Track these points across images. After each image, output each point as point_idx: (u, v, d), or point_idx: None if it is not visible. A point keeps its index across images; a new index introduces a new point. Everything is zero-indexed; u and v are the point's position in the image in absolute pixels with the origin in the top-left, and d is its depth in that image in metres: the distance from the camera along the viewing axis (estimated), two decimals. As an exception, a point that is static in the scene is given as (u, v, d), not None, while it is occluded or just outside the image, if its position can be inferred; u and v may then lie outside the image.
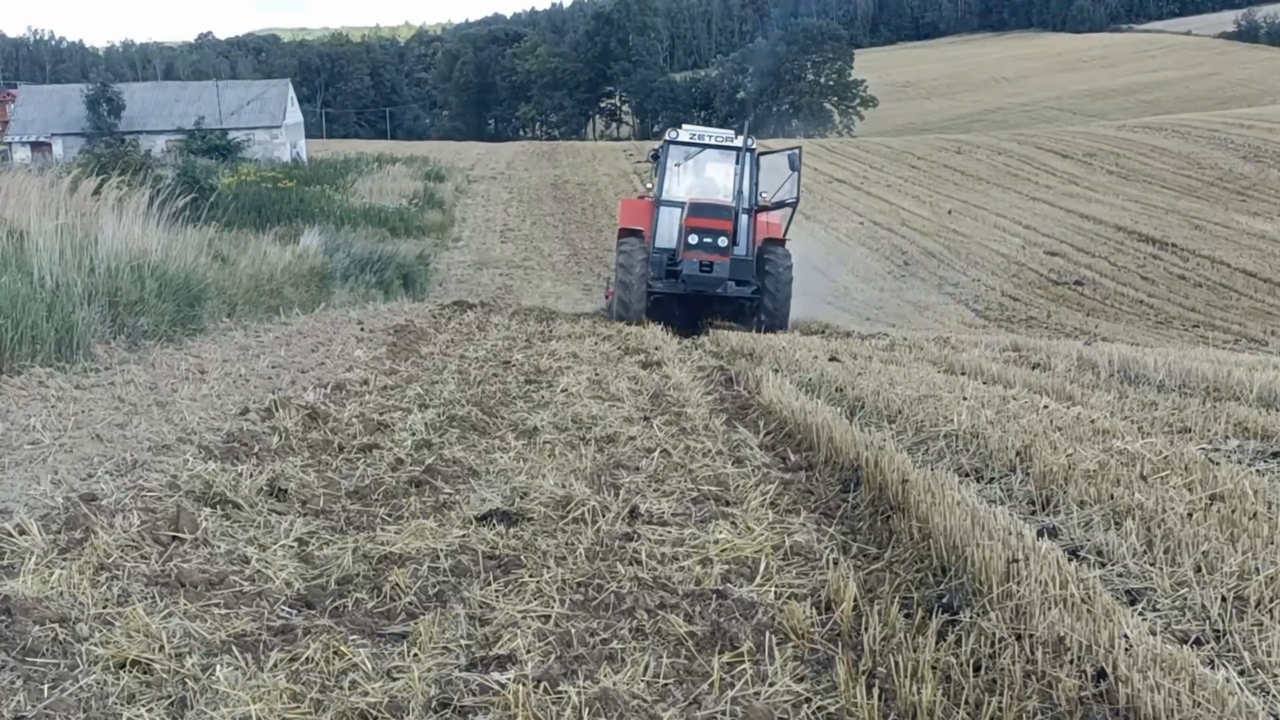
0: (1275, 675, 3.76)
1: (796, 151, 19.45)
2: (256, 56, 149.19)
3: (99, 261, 11.92)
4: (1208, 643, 4.08)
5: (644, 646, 4.09)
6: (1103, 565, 4.92)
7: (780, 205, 19.41)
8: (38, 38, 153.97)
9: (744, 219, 19.06)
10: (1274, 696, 3.57)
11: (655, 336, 15.01)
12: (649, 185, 20.19)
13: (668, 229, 19.23)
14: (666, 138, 20.26)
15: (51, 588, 4.54)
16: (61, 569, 4.73)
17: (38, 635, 4.05)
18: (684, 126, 20.93)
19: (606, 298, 22.52)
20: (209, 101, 72.61)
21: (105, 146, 43.20)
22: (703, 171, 20.31)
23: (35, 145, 68.97)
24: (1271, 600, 4.34)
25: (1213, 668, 3.69)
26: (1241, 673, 3.75)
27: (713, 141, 20.15)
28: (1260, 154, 60.16)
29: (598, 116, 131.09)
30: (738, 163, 19.58)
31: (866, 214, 52.77)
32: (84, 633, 4.17)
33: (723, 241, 18.00)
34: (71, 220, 12.41)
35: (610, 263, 43.35)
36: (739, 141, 19.78)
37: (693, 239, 18.02)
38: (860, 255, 44.23)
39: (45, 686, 3.73)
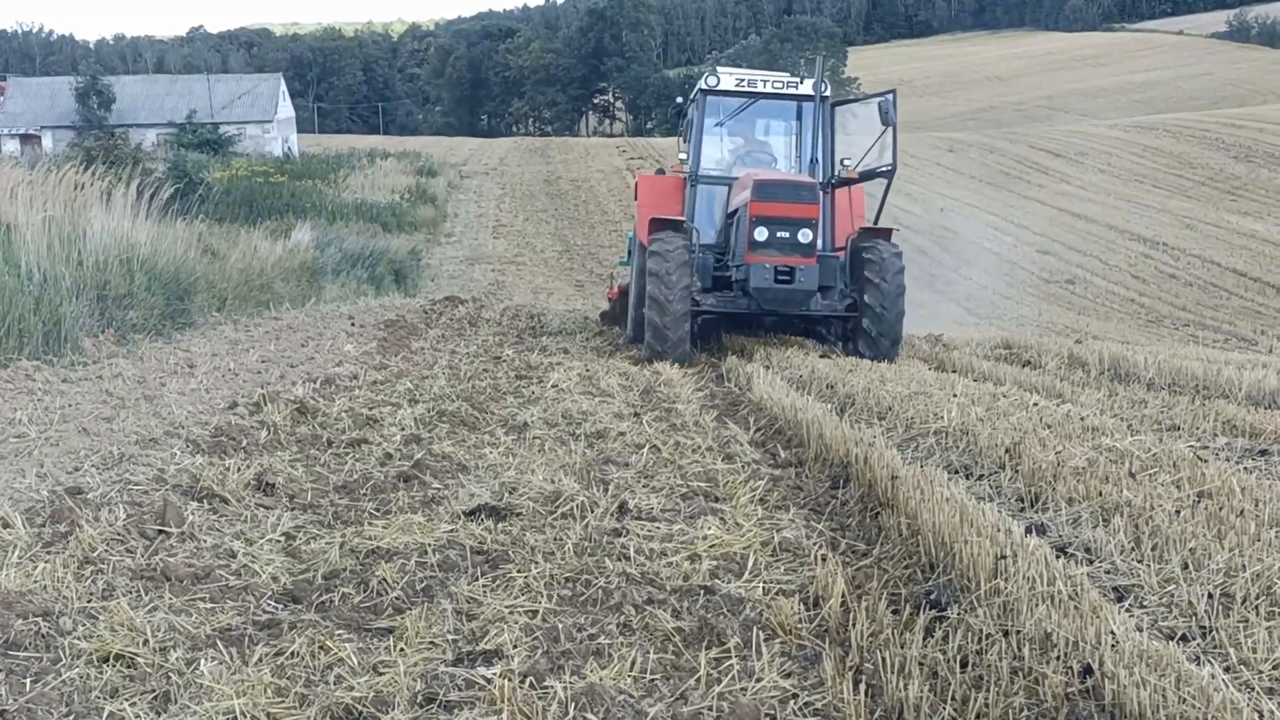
0: (1260, 672, 3.76)
1: (889, 97, 12.98)
2: (248, 51, 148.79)
3: (87, 255, 11.88)
4: (1194, 639, 4.08)
5: (631, 642, 4.07)
6: (1090, 562, 4.93)
7: (871, 175, 13.33)
8: (27, 30, 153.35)
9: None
10: (1259, 693, 3.57)
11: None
12: (681, 155, 13.85)
13: (707, 216, 13.72)
14: (702, 85, 13.93)
15: (35, 581, 4.51)
16: (45, 562, 4.70)
17: (20, 629, 4.03)
18: (723, 69, 14.53)
19: (610, 300, 17.67)
20: (200, 95, 72.36)
21: (95, 140, 43.01)
22: (755, 131, 14.63)
23: (24, 138, 68.69)
24: (1258, 597, 4.35)
25: (1198, 664, 3.69)
26: (1227, 669, 3.75)
27: (769, 88, 13.90)
28: (1251, 154, 60.30)
29: (591, 113, 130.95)
30: (803, 118, 13.92)
31: (859, 211, 52.69)
32: (67, 626, 4.14)
33: (806, 236, 12.10)
34: (60, 213, 12.36)
35: (606, 260, 43.56)
36: (807, 87, 13.63)
37: (761, 233, 12.05)
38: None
39: (27, 680, 3.70)
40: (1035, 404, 8.67)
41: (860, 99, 14.66)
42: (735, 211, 12.74)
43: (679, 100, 15.06)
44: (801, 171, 13.61)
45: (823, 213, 12.72)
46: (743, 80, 13.99)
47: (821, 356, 12.09)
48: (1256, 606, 4.27)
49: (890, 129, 12.81)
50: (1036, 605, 4.13)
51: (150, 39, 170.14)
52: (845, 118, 14.13)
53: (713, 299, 12.67)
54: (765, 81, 13.86)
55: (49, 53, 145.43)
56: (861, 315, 12.33)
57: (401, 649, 4.03)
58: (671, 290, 11.89)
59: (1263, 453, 7.17)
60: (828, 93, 13.60)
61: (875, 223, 13.39)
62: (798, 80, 13.82)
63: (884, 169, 13.10)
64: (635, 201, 14.56)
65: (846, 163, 13.18)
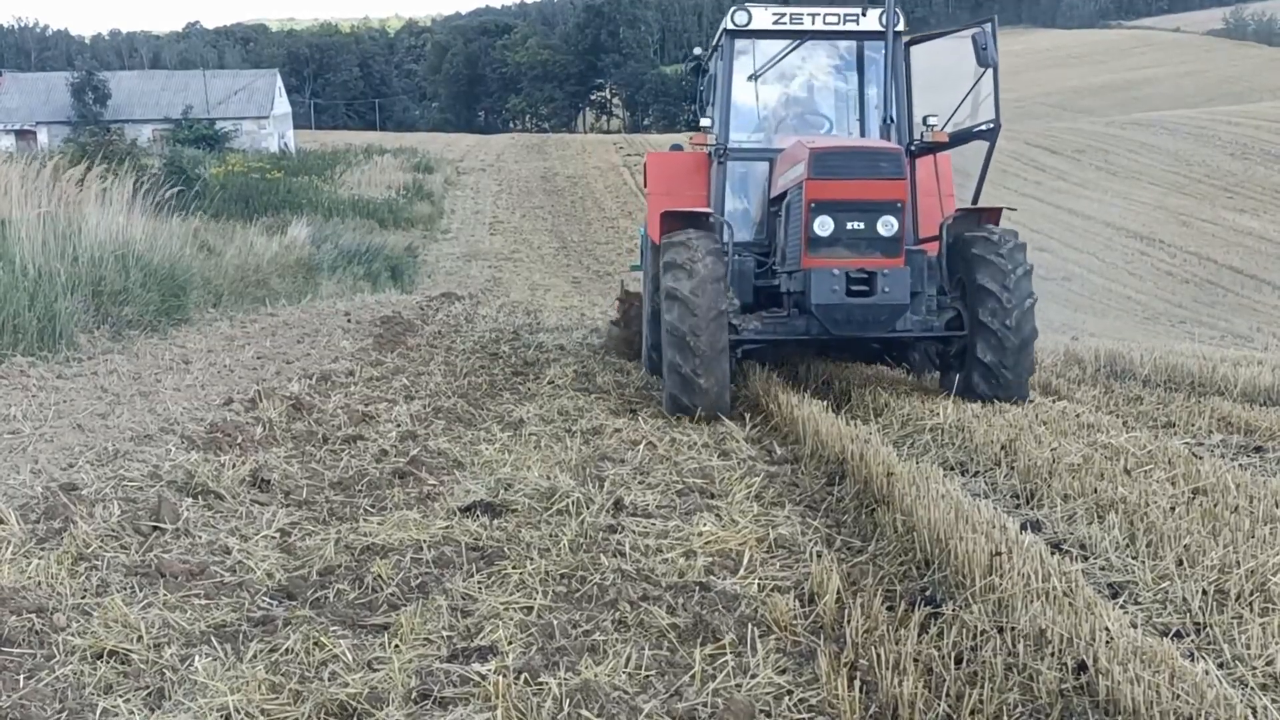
0: (1254, 668, 3.77)
1: (986, 28, 9.04)
2: (245, 46, 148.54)
3: (82, 251, 11.87)
4: (1188, 635, 4.09)
5: (626, 638, 4.07)
6: (1085, 559, 4.94)
7: (967, 137, 9.35)
8: (23, 25, 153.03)
9: None
10: (1253, 689, 3.57)
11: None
12: (704, 122, 9.84)
13: (741, 203, 10.10)
14: (728, 25, 10.09)
15: (29, 577, 4.51)
16: (40, 559, 4.69)
17: (14, 625, 4.02)
18: (753, 4, 10.21)
19: (619, 318, 13.27)
20: (196, 91, 72.23)
21: (90, 135, 42.88)
22: (801, 85, 10.66)
23: (19, 133, 68.53)
24: (1251, 594, 4.35)
25: (1193, 660, 3.70)
26: (1221, 665, 3.76)
27: (819, 24, 10.07)
28: (1248, 151, 60.35)
29: (588, 109, 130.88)
30: (867, 63, 10.29)
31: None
32: (61, 623, 4.13)
33: (889, 226, 8.31)
34: (55, 209, 12.35)
35: (602, 256, 43.56)
36: (872, 20, 9.91)
37: (824, 225, 8.33)
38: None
39: (21, 677, 3.69)
40: (1031, 400, 8.68)
41: (944, 33, 10.24)
42: (783, 196, 8.92)
43: (695, 51, 11.22)
44: (868, 135, 10.09)
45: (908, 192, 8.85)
46: (782, 16, 10.08)
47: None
48: (1250, 603, 4.28)
49: (990, 70, 8.93)
50: (1031, 602, 4.14)
51: (146, 34, 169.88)
52: (946, 53, 9.98)
53: (756, 322, 8.76)
54: (813, 16, 10.05)
55: (44, 48, 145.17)
56: (973, 337, 8.57)
57: (396, 645, 4.03)
58: (699, 318, 8.15)
59: (1258, 449, 7.18)
60: (901, 26, 9.66)
61: (974, 202, 9.44)
62: (858, 12, 9.94)
63: (985, 127, 9.11)
64: (644, 190, 10.92)
65: (932, 121, 9.13)
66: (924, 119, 9.27)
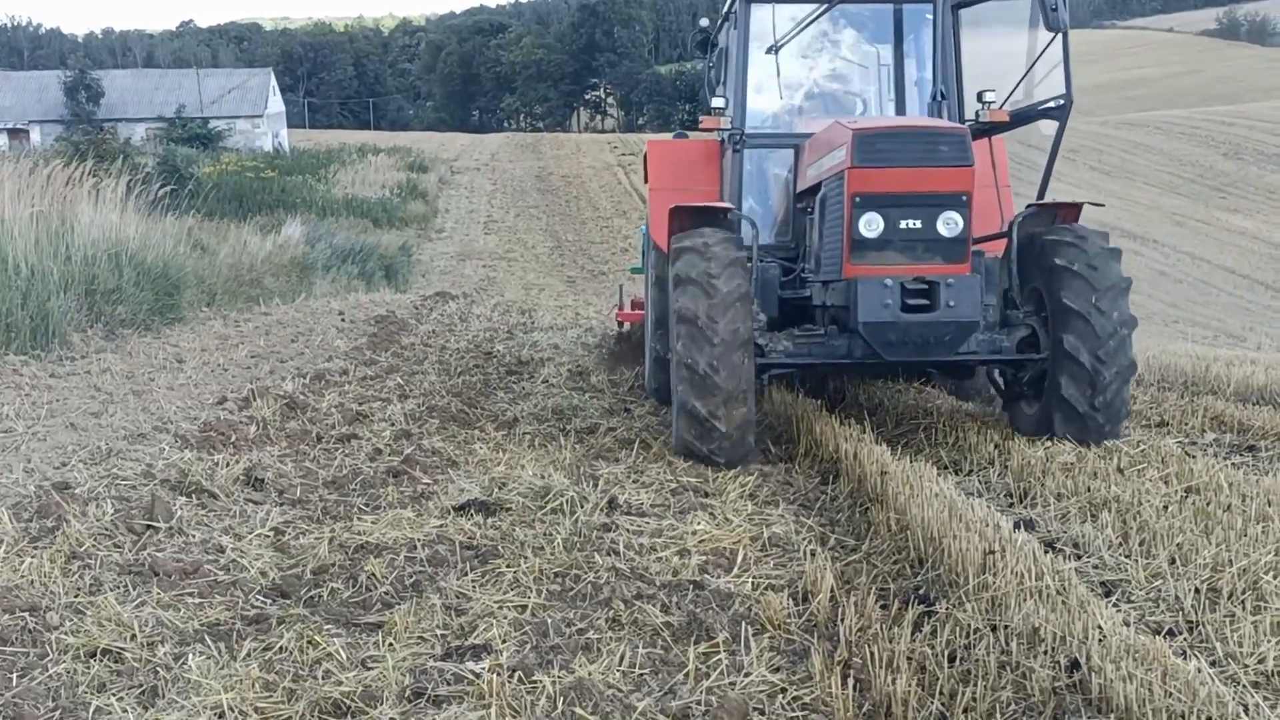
0: (1246, 665, 3.78)
1: None
2: (238, 45, 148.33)
3: (75, 250, 11.84)
4: (1180, 634, 4.11)
5: (620, 637, 4.08)
6: (1079, 557, 4.95)
7: (1031, 115, 7.83)
8: (15, 24, 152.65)
9: None
10: (1245, 687, 3.59)
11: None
12: (715, 103, 8.10)
13: (760, 198, 8.57)
14: None
15: (22, 576, 4.50)
16: (32, 557, 4.69)
17: (7, 624, 4.02)
18: None
19: (620, 325, 12.42)
20: (190, 90, 72.09)
21: (84, 134, 42.83)
22: (830, 58, 8.99)
23: (12, 132, 68.39)
24: (1244, 592, 4.37)
25: (1185, 658, 3.71)
26: (1213, 663, 3.77)
27: None
28: (1241, 151, 60.52)
29: (582, 109, 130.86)
30: (907, 30, 8.77)
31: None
32: (54, 621, 4.13)
33: (953, 224, 6.77)
34: (48, 208, 12.32)
35: (597, 256, 43.64)
36: None
37: (871, 224, 6.80)
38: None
39: (14, 675, 3.69)
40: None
41: None
42: (815, 190, 7.49)
43: (703, 23, 9.96)
44: (912, 114, 8.55)
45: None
46: None
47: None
48: (1243, 601, 4.30)
49: (1059, 37, 7.27)
50: (1024, 600, 4.15)
51: (139, 33, 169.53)
52: (999, 18, 8.50)
53: (787, 342, 7.18)
54: None
55: (37, 46, 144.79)
56: (1055, 367, 6.96)
57: (390, 644, 4.03)
58: (720, 347, 6.57)
59: (1250, 448, 7.19)
60: None
61: (1040, 196, 7.77)
62: None
63: (1054, 103, 7.47)
64: (645, 184, 9.30)
65: (989, 98, 7.57)
66: (979, 95, 7.60)
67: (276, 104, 75.70)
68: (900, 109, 8.65)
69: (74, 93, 71.87)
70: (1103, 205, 9.49)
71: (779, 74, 8.53)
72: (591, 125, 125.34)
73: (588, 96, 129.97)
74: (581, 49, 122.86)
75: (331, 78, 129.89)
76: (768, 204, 8.49)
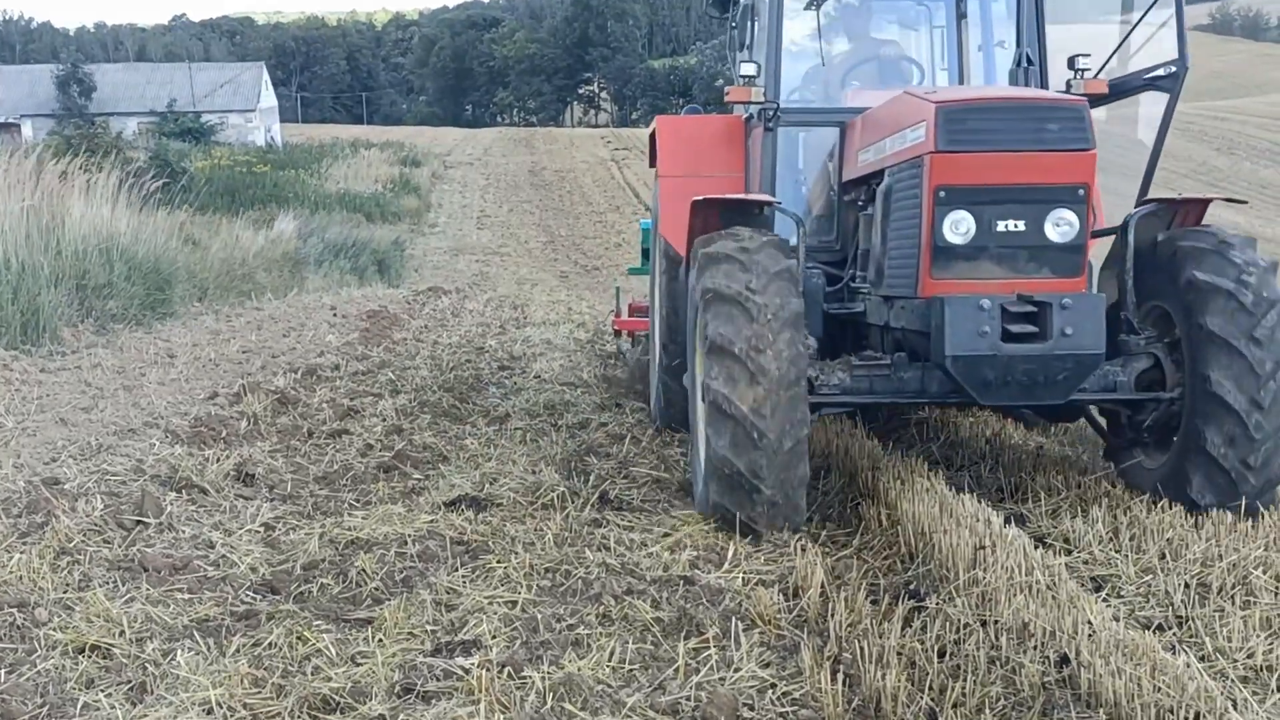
0: (1235, 660, 3.79)
1: None
2: (231, 39, 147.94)
3: (66, 244, 11.81)
4: (1170, 628, 4.12)
5: (610, 632, 4.07)
6: (1069, 552, 4.95)
7: (1135, 86, 6.52)
8: (7, 18, 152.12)
9: None
10: (1233, 681, 3.59)
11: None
12: (743, 73, 6.41)
13: (793, 187, 7.13)
14: None
15: (11, 572, 4.49)
16: (21, 553, 4.67)
17: (-5, 620, 4.00)
18: None
19: (617, 334, 11.06)
20: (182, 84, 71.89)
21: (75, 128, 42.69)
22: (876, 22, 7.87)
23: (3, 126, 68.03)
24: (1233, 587, 4.38)
25: (1174, 653, 3.72)
26: (1202, 658, 3.78)
27: None
28: (1234, 146, 60.62)
29: (576, 103, 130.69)
30: None
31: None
32: (43, 617, 4.12)
33: (1066, 227, 5.21)
34: (38, 202, 12.26)
35: (590, 251, 43.59)
36: None
37: (958, 227, 5.25)
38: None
39: (2, 671, 3.68)
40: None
41: None
42: (872, 179, 6.09)
43: None
44: (981, 82, 7.22)
45: None
46: None
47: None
48: (1232, 596, 4.31)
49: None
50: (1015, 595, 4.15)
51: (132, 27, 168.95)
52: None
53: (843, 373, 5.69)
54: None
55: (29, 40, 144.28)
56: (1194, 413, 5.40)
57: (380, 640, 4.02)
58: (767, 388, 5.09)
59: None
60: None
61: (1144, 189, 6.40)
62: None
63: (1164, 71, 6.20)
64: (652, 169, 7.90)
65: (1083, 64, 6.18)
66: (1071, 61, 6.18)
67: (269, 98, 75.51)
68: (959, 80, 7.22)
69: (66, 87, 71.64)
70: (1245, 202, 8.15)
71: (820, 34, 6.97)
72: (585, 120, 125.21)
73: (581, 91, 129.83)
74: (575, 43, 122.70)
75: (324, 72, 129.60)
76: (801, 194, 7.04)
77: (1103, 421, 6.10)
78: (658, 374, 7.55)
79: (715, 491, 5.24)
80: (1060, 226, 5.18)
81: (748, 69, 6.39)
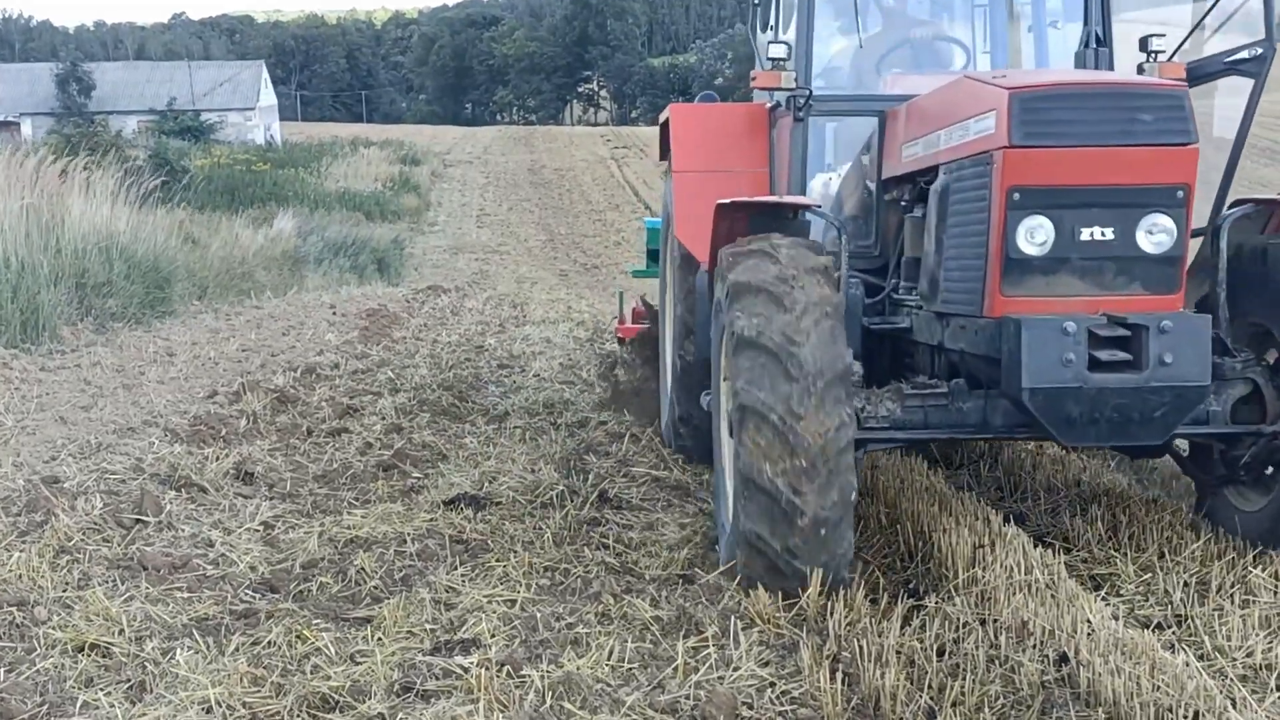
0: (1235, 659, 3.79)
1: None
2: (230, 37, 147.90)
3: (66, 243, 11.81)
4: (1169, 627, 4.12)
5: (609, 631, 4.08)
6: (1068, 551, 4.95)
7: (1215, 71, 5.47)
8: (6, 16, 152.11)
9: None
10: (1232, 680, 3.59)
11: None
12: (772, 55, 5.64)
13: (821, 184, 6.35)
14: None
15: (10, 571, 4.49)
16: (21, 551, 4.68)
17: (-6, 619, 4.01)
18: None
19: (621, 342, 9.86)
20: (181, 82, 71.83)
21: (75, 126, 42.68)
22: (910, 2, 7.16)
23: (3, 125, 68.01)
24: (1232, 586, 4.38)
25: (1173, 652, 3.72)
26: (1201, 657, 3.78)
27: None
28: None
29: (575, 102, 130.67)
30: None
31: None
32: (42, 616, 4.13)
33: (1163, 236, 4.41)
34: (38, 201, 12.26)
35: (590, 249, 43.49)
36: None
37: (1035, 235, 4.44)
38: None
39: (1, 670, 3.69)
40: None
41: None
42: (920, 176, 5.34)
43: None
44: (1033, 67, 6.51)
45: None
46: None
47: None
48: (1231, 595, 4.31)
49: None
50: (1014, 594, 4.16)
51: (131, 25, 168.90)
52: None
53: (891, 403, 4.87)
54: None
55: (29, 39, 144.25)
56: None
57: (379, 638, 4.02)
58: (810, 454, 4.20)
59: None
60: None
61: (1225, 187, 5.43)
62: None
63: (1248, 54, 5.38)
64: (662, 164, 7.25)
65: (1157, 45, 5.44)
66: (1144, 41, 5.40)
67: (268, 97, 75.47)
68: (1003, 63, 6.57)
69: (65, 85, 71.59)
70: None
71: (857, 11, 6.18)
72: (584, 118, 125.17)
73: (581, 89, 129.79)
74: (574, 42, 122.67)
75: (324, 70, 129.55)
76: (830, 191, 6.31)
77: (1187, 453, 5.33)
78: (670, 388, 6.78)
79: (748, 564, 4.37)
80: (1155, 235, 4.39)
81: (777, 50, 5.64)
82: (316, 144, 60.17)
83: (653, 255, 9.20)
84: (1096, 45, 5.94)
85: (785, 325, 4.25)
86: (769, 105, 6.45)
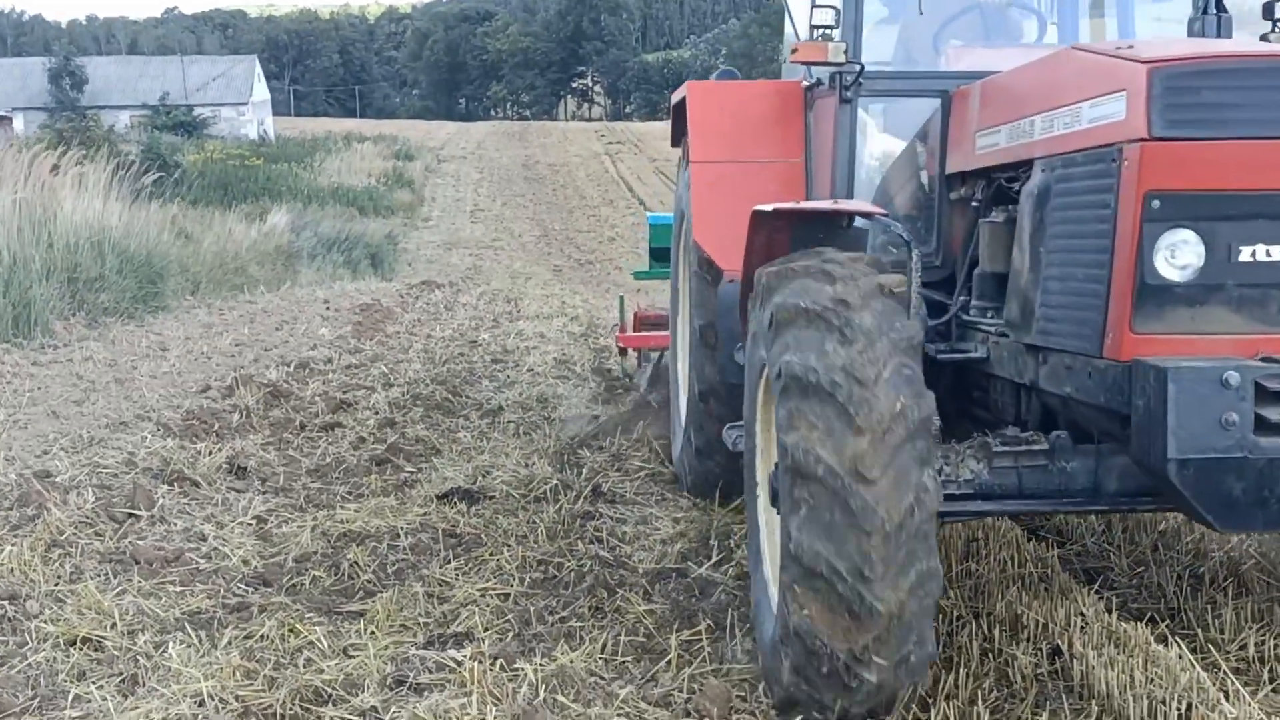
0: (1228, 652, 3.80)
1: None
2: (223, 32, 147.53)
3: (58, 237, 11.78)
4: (1162, 620, 4.12)
5: (602, 624, 4.08)
6: (1062, 544, 4.96)
7: None
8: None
9: None
10: (1225, 673, 3.60)
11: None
12: (825, 14, 4.57)
13: (865, 176, 5.07)
14: None
15: (2, 565, 4.48)
16: (12, 545, 4.66)
17: (-14, 612, 3.99)
18: None
19: (623, 353, 9.17)
20: (174, 77, 71.66)
21: (67, 121, 42.54)
22: None
23: (-4, 119, 67.86)
24: (1225, 579, 4.39)
25: (1166, 645, 3.72)
26: (1194, 650, 3.78)
27: None
28: None
29: (569, 97, 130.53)
30: None
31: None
32: (34, 610, 4.12)
33: None
34: (30, 195, 12.22)
35: (584, 245, 43.40)
36: None
37: (1184, 254, 3.31)
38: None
39: (-8, 664, 3.68)
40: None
41: None
42: (1016, 172, 4.12)
43: None
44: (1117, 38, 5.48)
45: None
46: None
47: None
48: (1225, 588, 4.32)
49: None
50: (1008, 587, 4.16)
51: (124, 19, 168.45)
52: None
53: (975, 463, 3.70)
54: None
55: (20, 33, 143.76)
56: None
57: (372, 632, 4.02)
58: (871, 533, 3.09)
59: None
60: None
61: None
62: None
63: None
64: (677, 149, 6.35)
65: None
66: (1269, 8, 4.65)
67: (261, 91, 75.34)
68: (1073, 37, 5.52)
69: (58, 80, 71.40)
70: None
71: None
72: (578, 114, 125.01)
73: (575, 85, 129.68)
74: (568, 37, 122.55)
75: (317, 65, 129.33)
76: (882, 190, 5.11)
77: None
78: (684, 414, 5.87)
79: (792, 682, 3.32)
80: None
81: (823, 16, 4.64)
82: (310, 139, 60.06)
83: (656, 255, 8.49)
84: (1217, 10, 4.84)
85: (849, 361, 3.20)
86: (805, 83, 5.53)
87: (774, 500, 3.54)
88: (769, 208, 4.12)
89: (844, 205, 4.34)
